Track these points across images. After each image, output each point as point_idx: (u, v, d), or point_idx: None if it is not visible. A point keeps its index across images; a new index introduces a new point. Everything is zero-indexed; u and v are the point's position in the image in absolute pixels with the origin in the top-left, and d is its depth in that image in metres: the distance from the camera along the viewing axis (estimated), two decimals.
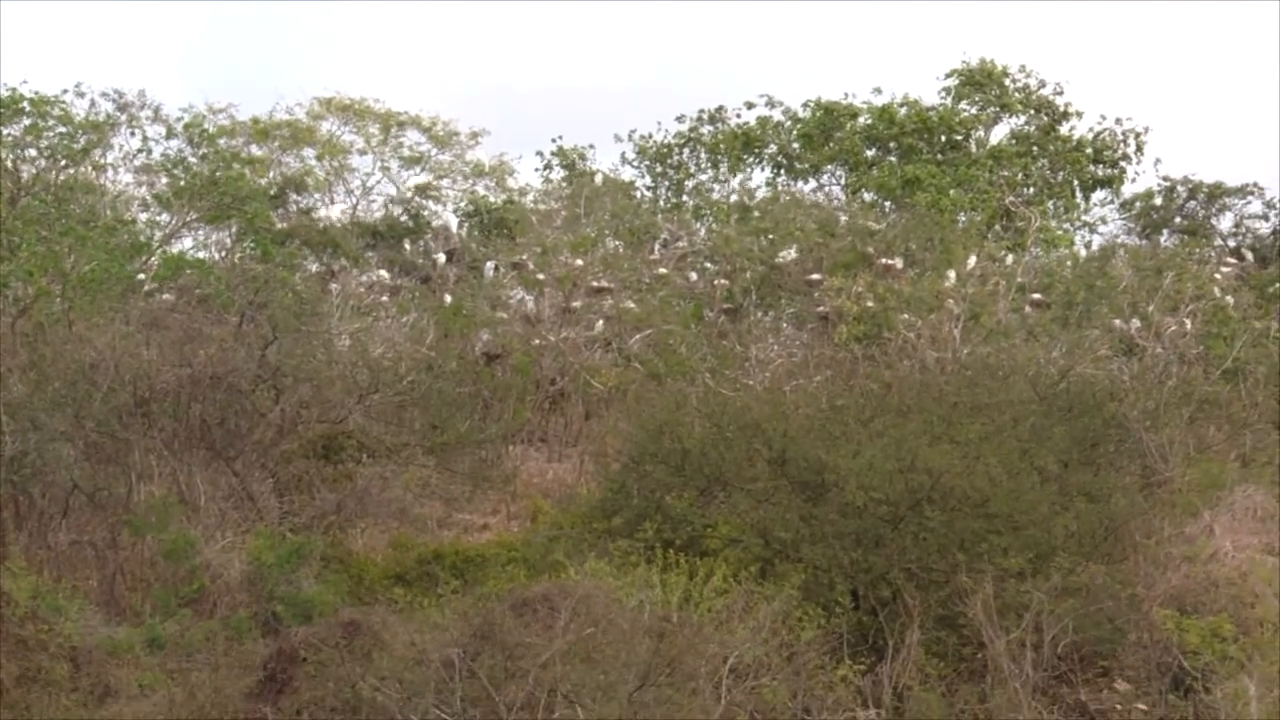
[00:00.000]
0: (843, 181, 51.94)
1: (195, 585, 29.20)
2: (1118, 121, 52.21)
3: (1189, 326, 40.00)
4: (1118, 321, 40.18)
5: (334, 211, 47.68)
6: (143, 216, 43.05)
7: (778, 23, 78.12)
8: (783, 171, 52.29)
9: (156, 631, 27.70)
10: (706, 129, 53.07)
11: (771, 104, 52.74)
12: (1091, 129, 52.35)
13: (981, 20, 74.10)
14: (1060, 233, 50.60)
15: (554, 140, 53.26)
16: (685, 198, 52.36)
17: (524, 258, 42.16)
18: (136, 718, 25.77)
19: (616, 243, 44.74)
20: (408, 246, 45.80)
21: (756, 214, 46.45)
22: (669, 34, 79.04)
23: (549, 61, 76.18)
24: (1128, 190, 52.38)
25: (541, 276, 41.26)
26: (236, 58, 72.68)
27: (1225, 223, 51.31)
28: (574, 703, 23.57)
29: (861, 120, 51.97)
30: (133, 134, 41.09)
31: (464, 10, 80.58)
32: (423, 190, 50.06)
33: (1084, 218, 52.49)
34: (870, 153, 51.75)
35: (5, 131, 38.24)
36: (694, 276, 43.36)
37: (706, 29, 77.49)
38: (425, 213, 48.57)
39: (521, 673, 23.75)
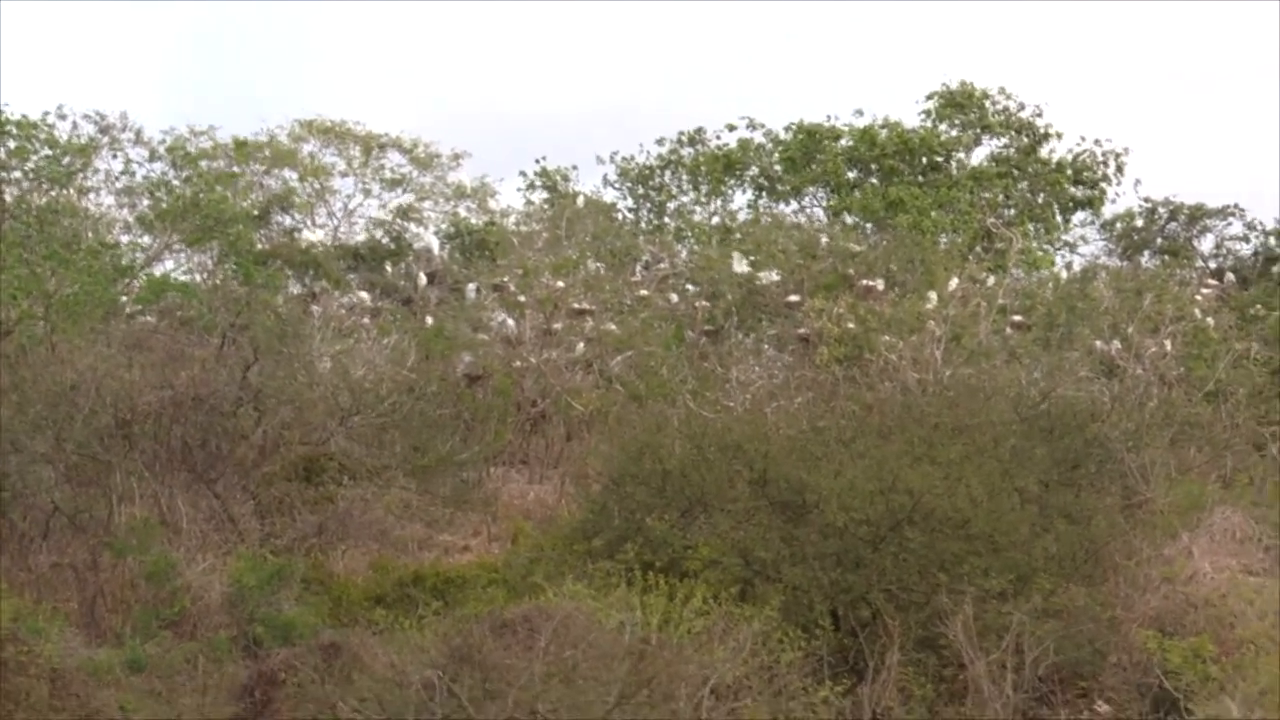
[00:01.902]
0: (825, 203, 52.00)
1: (176, 607, 29.17)
2: (1097, 143, 52.40)
3: (1169, 348, 40.01)
4: (1099, 343, 40.20)
5: (316, 235, 47.70)
6: (125, 239, 43.05)
7: (759, 44, 78.32)
8: (764, 194, 52.35)
9: (137, 653, 27.67)
10: (687, 151, 53.19)
11: (753, 126, 52.82)
12: (1071, 150, 52.50)
13: (961, 42, 74.31)
14: (1041, 254, 50.63)
15: (537, 161, 53.41)
16: (667, 219, 52.43)
17: (505, 280, 42.15)
18: None
19: (598, 265, 44.75)
20: (389, 268, 45.77)
21: (737, 236, 46.49)
22: (651, 56, 79.24)
23: (531, 81, 76.35)
24: (1108, 211, 52.53)
25: (523, 298, 41.24)
26: (216, 80, 72.76)
27: (1206, 244, 51.42)
28: None
29: (843, 142, 52.04)
30: (114, 156, 41.16)
31: (444, 31, 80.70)
32: (404, 212, 50.10)
33: (1064, 239, 52.61)
34: (852, 174, 51.81)
35: None
36: (675, 298, 43.36)
37: (688, 50, 77.66)
38: (407, 235, 48.59)
39: (501, 694, 23.78)
